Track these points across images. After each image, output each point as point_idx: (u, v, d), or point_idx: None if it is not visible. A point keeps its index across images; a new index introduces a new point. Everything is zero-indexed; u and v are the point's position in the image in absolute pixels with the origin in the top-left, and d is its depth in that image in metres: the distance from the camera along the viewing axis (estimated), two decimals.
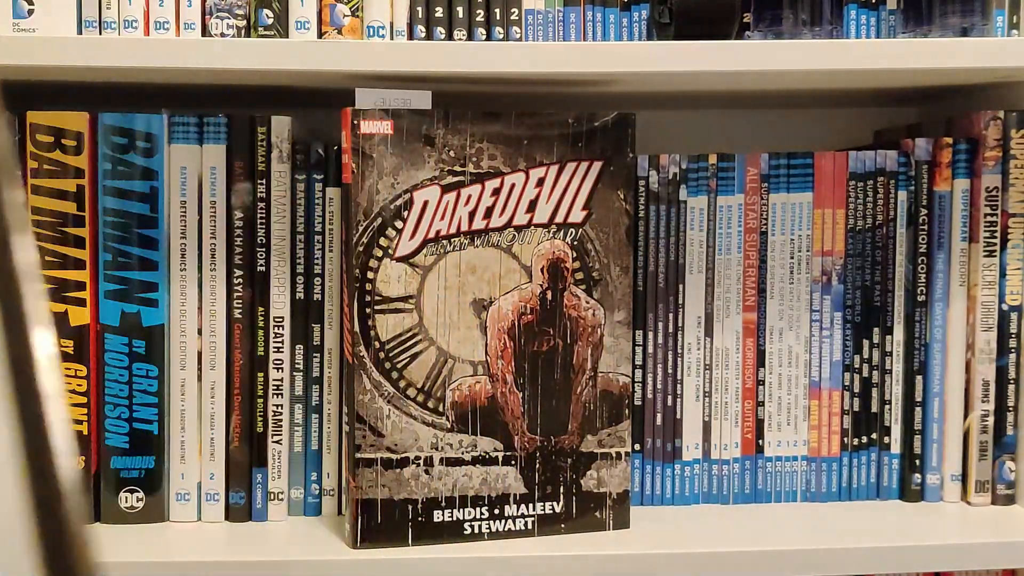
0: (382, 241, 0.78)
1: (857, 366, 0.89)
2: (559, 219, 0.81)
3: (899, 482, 0.90)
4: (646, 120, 1.09)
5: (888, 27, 0.90)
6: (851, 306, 0.88)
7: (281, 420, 0.84)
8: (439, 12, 0.86)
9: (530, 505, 0.82)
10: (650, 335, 0.87)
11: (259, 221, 0.83)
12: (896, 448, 0.89)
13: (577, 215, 0.82)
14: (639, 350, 0.87)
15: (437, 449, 0.80)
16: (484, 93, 0.91)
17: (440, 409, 0.80)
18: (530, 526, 0.82)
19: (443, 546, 0.80)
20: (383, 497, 0.79)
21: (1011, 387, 0.88)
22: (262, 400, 0.84)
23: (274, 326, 0.84)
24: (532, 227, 0.81)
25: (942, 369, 0.89)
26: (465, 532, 0.81)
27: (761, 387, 0.89)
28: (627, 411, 0.84)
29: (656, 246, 0.87)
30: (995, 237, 0.87)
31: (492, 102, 0.99)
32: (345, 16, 0.85)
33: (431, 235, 0.79)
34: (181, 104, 1.03)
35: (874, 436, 0.89)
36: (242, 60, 0.77)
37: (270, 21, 0.85)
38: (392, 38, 0.87)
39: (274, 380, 0.84)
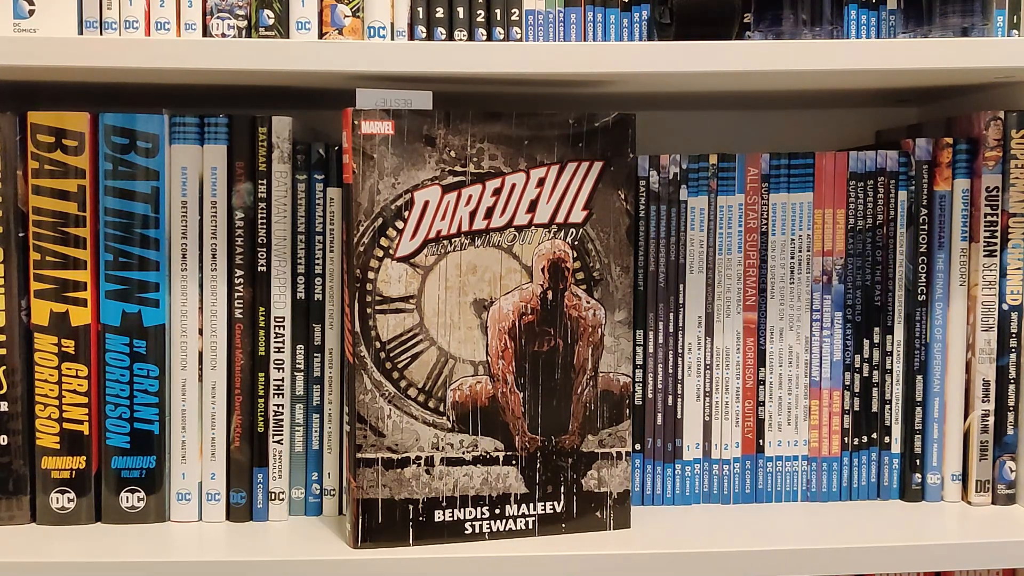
0: (383, 241, 0.78)
1: (857, 366, 0.89)
2: (560, 219, 0.81)
3: (899, 482, 0.90)
4: (646, 120, 1.09)
5: (888, 27, 0.90)
6: (851, 306, 0.88)
7: (282, 420, 0.84)
8: (440, 13, 0.87)
9: (531, 505, 0.82)
10: (651, 335, 0.87)
11: (260, 221, 0.83)
12: (896, 448, 0.89)
13: (578, 215, 0.82)
14: (640, 350, 0.87)
15: (438, 449, 0.80)
16: (485, 93, 0.91)
17: (441, 409, 0.80)
18: (531, 526, 0.82)
19: (444, 546, 0.80)
20: (384, 497, 0.79)
21: (1011, 387, 0.88)
22: (263, 400, 0.84)
23: (275, 326, 0.84)
24: (533, 227, 0.81)
25: (942, 369, 0.89)
26: (466, 532, 0.81)
27: (761, 387, 0.89)
28: (628, 411, 0.84)
29: (656, 246, 0.87)
30: (995, 237, 0.87)
31: (493, 102, 0.99)
32: (346, 16, 0.85)
33: (432, 235, 0.79)
34: (182, 104, 1.03)
35: (874, 436, 0.89)
36: (243, 61, 0.77)
37: (271, 22, 0.85)
38: (393, 38, 0.87)
39: (275, 380, 0.84)
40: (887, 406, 0.89)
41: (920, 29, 0.85)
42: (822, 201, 0.88)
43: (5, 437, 0.82)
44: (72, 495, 0.83)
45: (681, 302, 0.87)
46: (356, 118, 0.77)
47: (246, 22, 0.86)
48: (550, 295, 0.82)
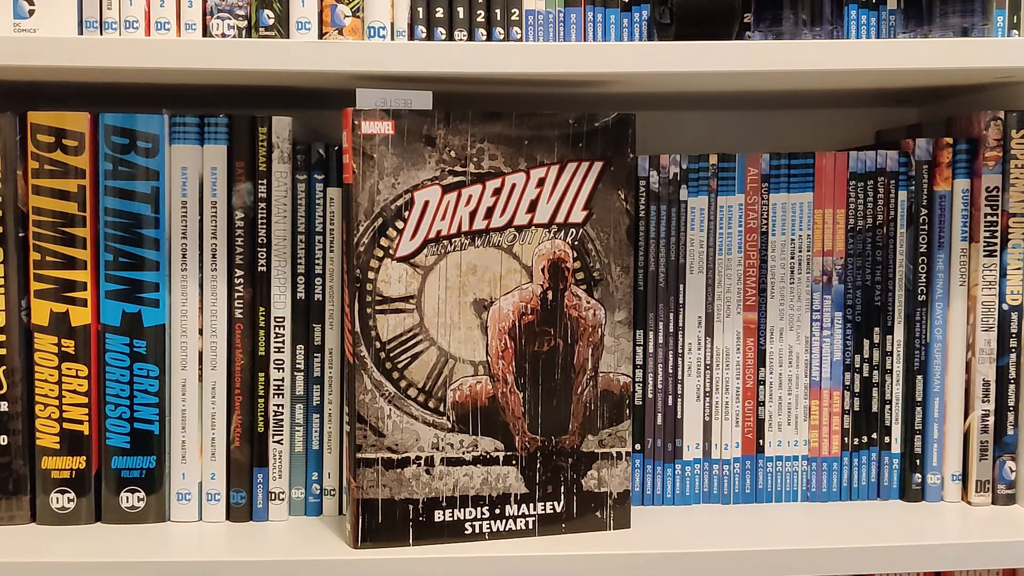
0: (383, 241, 0.78)
1: (857, 366, 0.89)
2: (560, 219, 0.81)
3: (899, 482, 0.90)
4: (646, 120, 1.09)
5: (888, 27, 0.90)
6: (851, 306, 0.88)
7: (282, 420, 0.84)
8: (440, 13, 0.87)
9: (531, 505, 0.82)
10: (651, 335, 0.87)
11: (260, 221, 0.83)
12: (896, 448, 0.89)
13: (578, 215, 0.82)
14: (640, 350, 0.87)
15: (438, 449, 0.80)
16: (485, 93, 0.91)
17: (441, 409, 0.80)
18: (531, 526, 0.82)
19: (444, 546, 0.80)
20: (384, 497, 0.79)
21: (1011, 387, 0.88)
22: (263, 400, 0.84)
23: (275, 326, 0.84)
24: (533, 227, 0.81)
25: (942, 369, 0.89)
26: (466, 532, 0.81)
27: (761, 387, 0.89)
28: (628, 411, 0.84)
29: (657, 246, 0.87)
30: (995, 237, 0.87)
31: (493, 102, 0.99)
32: (346, 16, 0.85)
33: (432, 235, 0.79)
34: (182, 104, 1.03)
35: (874, 436, 0.89)
36: (243, 61, 0.77)
37: (271, 22, 0.85)
38: (393, 38, 0.87)
39: (275, 380, 0.84)
40: (887, 406, 0.89)
41: (920, 29, 0.85)
42: (822, 201, 0.88)
43: (5, 437, 0.82)
44: (72, 495, 0.83)
45: (681, 302, 0.87)
46: (356, 118, 0.77)
47: (246, 22, 0.86)
48: (550, 295, 0.82)
